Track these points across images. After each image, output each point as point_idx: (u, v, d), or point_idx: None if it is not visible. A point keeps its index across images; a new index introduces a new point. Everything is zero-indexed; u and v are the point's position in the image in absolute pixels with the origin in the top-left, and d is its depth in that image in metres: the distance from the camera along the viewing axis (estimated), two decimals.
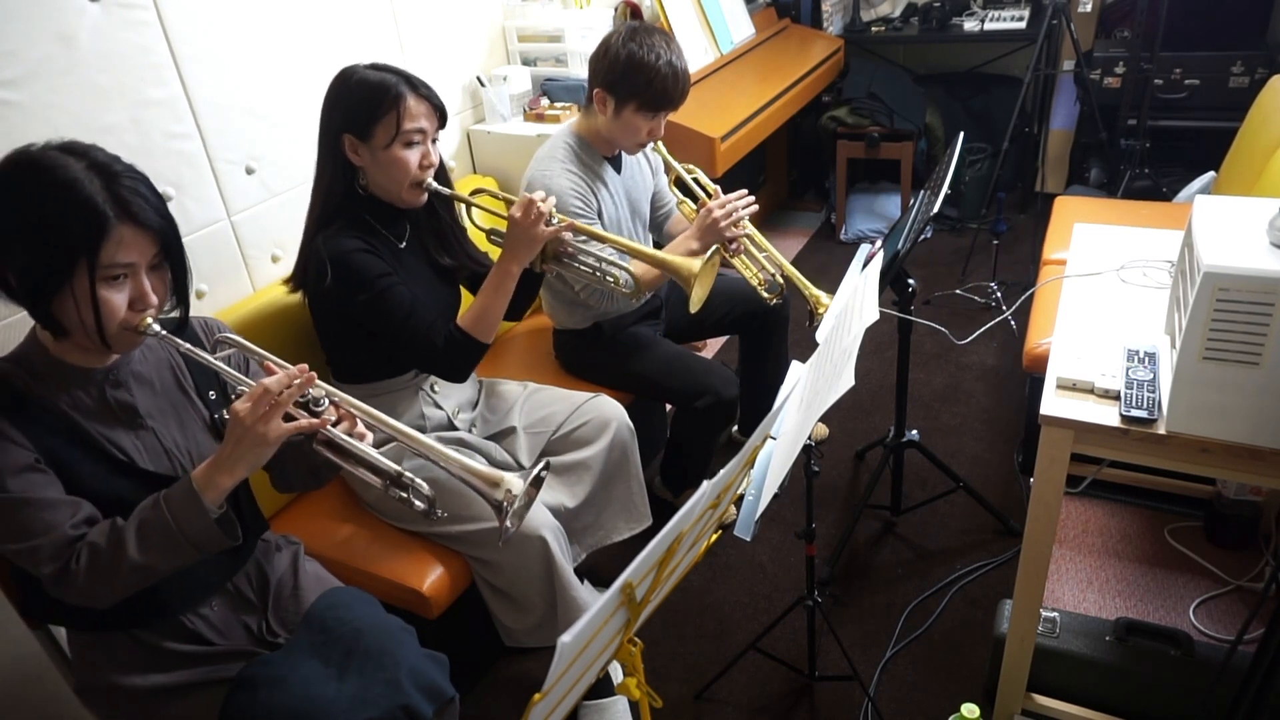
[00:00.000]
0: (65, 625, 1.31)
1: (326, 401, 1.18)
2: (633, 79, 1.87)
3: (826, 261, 3.73)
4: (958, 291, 3.32)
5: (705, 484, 1.04)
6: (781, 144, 4.11)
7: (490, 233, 1.81)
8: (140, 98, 1.66)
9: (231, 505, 1.17)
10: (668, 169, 2.12)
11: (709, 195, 2.02)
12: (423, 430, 1.67)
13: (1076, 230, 1.90)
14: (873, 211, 3.90)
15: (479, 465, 1.20)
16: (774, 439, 1.38)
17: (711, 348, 3.15)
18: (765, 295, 2.08)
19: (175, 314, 1.23)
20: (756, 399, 2.43)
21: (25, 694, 1.56)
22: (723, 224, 1.92)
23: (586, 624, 0.90)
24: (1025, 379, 2.43)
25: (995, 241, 3.35)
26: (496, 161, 2.58)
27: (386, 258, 1.62)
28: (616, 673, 1.87)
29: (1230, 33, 3.25)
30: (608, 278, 1.77)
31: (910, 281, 1.93)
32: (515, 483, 1.18)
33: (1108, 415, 1.32)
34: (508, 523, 1.18)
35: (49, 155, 1.06)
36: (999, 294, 3.24)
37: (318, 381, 1.16)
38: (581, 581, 1.70)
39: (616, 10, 2.90)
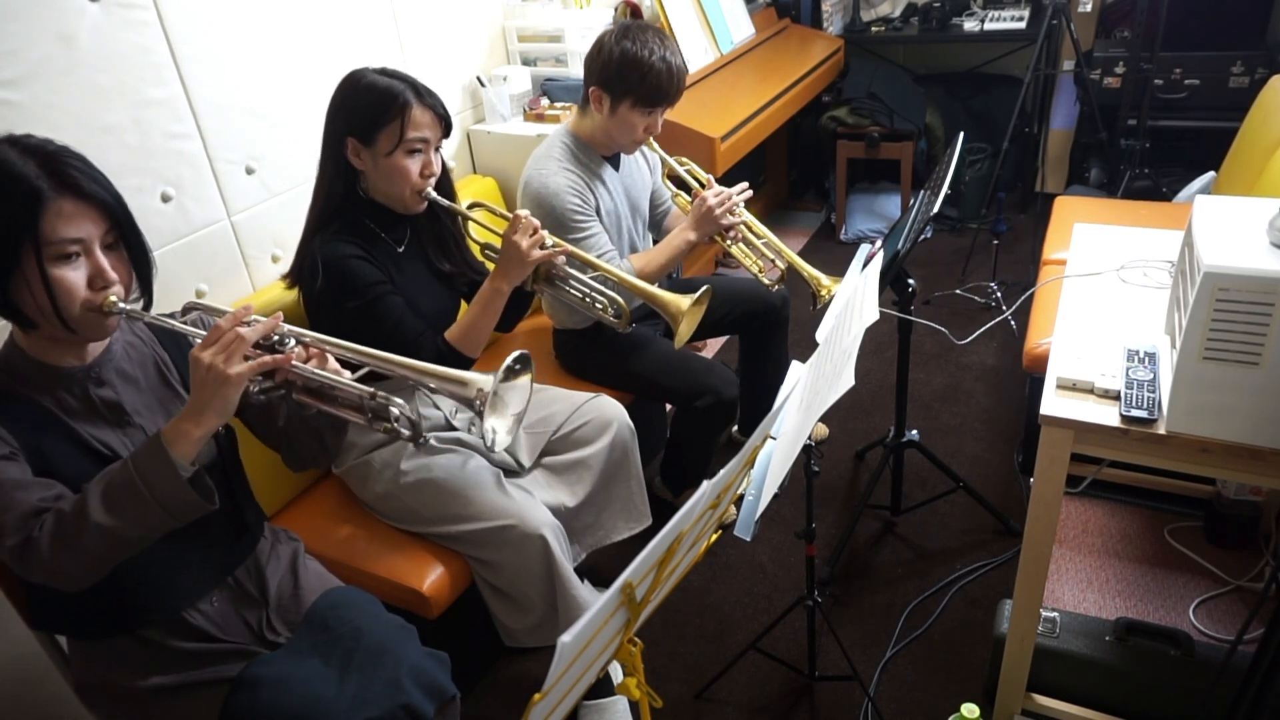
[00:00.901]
0: (73, 635, 1.30)
1: (293, 341, 1.17)
2: (627, 75, 1.87)
3: (827, 261, 3.68)
4: (958, 291, 3.32)
5: (705, 484, 1.04)
6: (781, 144, 4.11)
7: (485, 248, 1.81)
8: (140, 98, 1.66)
9: (228, 499, 1.16)
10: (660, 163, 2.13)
11: (703, 186, 2.02)
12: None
13: (1076, 230, 1.90)
14: (873, 211, 3.90)
15: (445, 370, 1.21)
16: (774, 439, 1.38)
17: (711, 348, 3.15)
18: (767, 282, 2.08)
19: (139, 304, 1.20)
20: (756, 399, 2.43)
21: (25, 694, 1.56)
22: (717, 211, 1.93)
23: (586, 624, 0.90)
24: (1025, 379, 2.43)
25: (995, 241, 3.35)
26: (496, 161, 2.58)
27: (384, 262, 1.62)
28: (616, 673, 1.87)
29: (1230, 33, 3.24)
30: (596, 304, 1.77)
31: (910, 281, 1.93)
32: (484, 380, 1.18)
33: (1108, 415, 1.32)
34: (488, 424, 1.20)
35: None
36: (999, 294, 3.24)
37: (285, 325, 1.15)
38: (581, 581, 1.70)
39: (616, 10, 2.90)
